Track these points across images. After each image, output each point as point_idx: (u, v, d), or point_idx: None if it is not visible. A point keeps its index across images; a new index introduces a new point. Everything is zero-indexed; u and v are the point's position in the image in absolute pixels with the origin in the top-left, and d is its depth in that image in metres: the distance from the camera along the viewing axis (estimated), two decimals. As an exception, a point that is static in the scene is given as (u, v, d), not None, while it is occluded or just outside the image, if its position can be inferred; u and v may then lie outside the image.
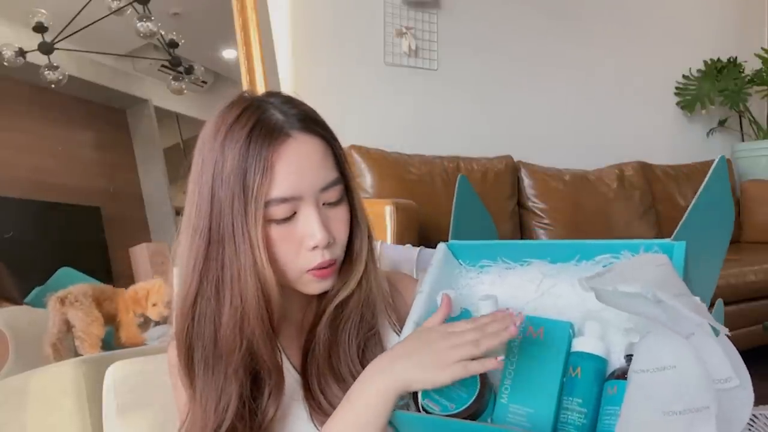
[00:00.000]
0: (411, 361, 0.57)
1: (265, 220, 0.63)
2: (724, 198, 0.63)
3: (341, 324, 0.71)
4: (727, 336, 0.49)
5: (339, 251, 0.69)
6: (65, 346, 1.51)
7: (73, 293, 1.55)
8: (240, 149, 0.62)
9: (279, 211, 0.63)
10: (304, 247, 0.65)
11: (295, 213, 0.64)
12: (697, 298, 0.50)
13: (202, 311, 0.65)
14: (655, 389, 0.49)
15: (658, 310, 0.49)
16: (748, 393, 0.46)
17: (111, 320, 1.65)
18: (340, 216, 0.68)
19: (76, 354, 1.50)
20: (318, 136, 0.66)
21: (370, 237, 0.73)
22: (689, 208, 0.57)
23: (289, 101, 0.67)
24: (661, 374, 0.49)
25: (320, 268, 0.66)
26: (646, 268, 0.54)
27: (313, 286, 0.68)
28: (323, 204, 0.66)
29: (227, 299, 0.64)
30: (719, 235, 0.64)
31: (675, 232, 0.58)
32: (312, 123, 0.66)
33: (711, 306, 0.65)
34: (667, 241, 0.58)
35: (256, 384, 0.67)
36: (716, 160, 0.59)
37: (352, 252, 0.71)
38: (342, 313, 0.71)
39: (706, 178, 0.58)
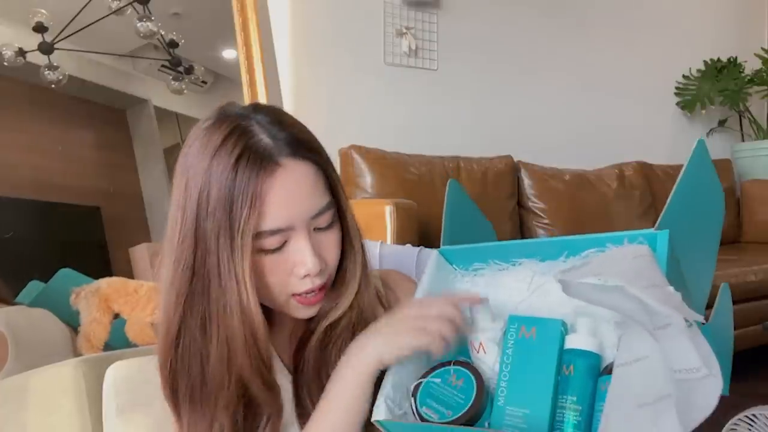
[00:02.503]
0: (381, 334, 0.60)
1: (255, 251, 0.60)
2: (710, 183, 0.62)
3: (330, 345, 0.69)
4: (703, 323, 0.49)
5: (329, 275, 0.67)
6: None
7: (86, 289, 1.53)
8: (227, 179, 0.58)
9: (269, 243, 0.61)
10: (295, 275, 0.63)
11: (285, 242, 0.62)
12: (671, 288, 0.49)
13: (187, 346, 0.63)
14: (631, 382, 0.49)
15: (631, 303, 0.48)
16: (717, 380, 0.46)
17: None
18: (331, 239, 0.65)
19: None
20: (308, 161, 0.62)
21: (363, 258, 0.71)
22: (670, 196, 0.57)
23: (278, 121, 0.63)
24: (636, 366, 0.49)
25: (308, 293, 0.65)
26: (623, 260, 0.53)
27: (301, 311, 0.67)
28: (314, 229, 0.64)
29: (214, 335, 0.61)
30: (710, 221, 0.63)
31: (658, 221, 0.57)
32: (302, 147, 0.62)
33: (714, 294, 0.65)
34: (650, 231, 0.58)
35: (251, 408, 0.65)
36: (695, 144, 0.58)
37: (344, 274, 0.69)
38: (332, 334, 0.69)
39: (685, 164, 0.57)
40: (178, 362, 0.64)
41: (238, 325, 0.61)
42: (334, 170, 0.67)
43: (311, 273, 0.63)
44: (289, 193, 0.60)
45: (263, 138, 0.60)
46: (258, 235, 0.60)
